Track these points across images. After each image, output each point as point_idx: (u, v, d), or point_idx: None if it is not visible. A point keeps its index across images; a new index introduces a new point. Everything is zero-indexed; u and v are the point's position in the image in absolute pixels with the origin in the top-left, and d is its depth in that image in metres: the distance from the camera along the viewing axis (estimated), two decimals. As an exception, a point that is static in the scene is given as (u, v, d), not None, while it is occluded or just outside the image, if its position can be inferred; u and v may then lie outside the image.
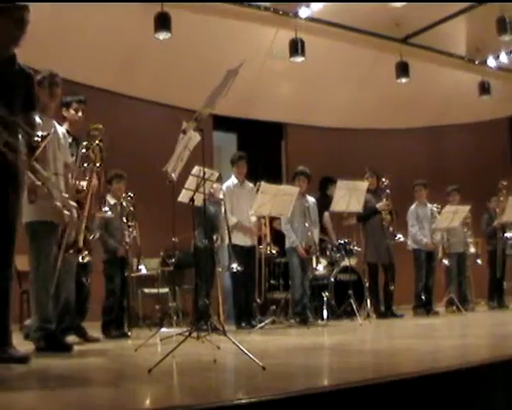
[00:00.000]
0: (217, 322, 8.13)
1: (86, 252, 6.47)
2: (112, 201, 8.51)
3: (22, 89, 5.00)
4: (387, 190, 10.86)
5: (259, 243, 9.88)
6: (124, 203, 8.61)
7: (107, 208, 7.12)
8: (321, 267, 10.51)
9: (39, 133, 4.60)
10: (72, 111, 7.00)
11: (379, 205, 10.79)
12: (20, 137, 4.74)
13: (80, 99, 7.08)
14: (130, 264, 8.64)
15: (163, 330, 8.41)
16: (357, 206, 9.83)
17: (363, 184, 10.02)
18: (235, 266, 8.86)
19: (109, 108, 11.48)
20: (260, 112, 13.92)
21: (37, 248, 5.95)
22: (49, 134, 4.73)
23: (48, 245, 5.94)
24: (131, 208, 8.65)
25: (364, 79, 13.94)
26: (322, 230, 11.03)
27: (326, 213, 11.16)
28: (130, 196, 8.66)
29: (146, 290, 10.25)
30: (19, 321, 9.61)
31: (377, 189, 11.02)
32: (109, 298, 8.34)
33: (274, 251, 9.77)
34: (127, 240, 8.52)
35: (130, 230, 8.62)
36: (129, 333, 8.25)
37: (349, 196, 9.62)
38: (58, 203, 5.90)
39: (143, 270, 8.91)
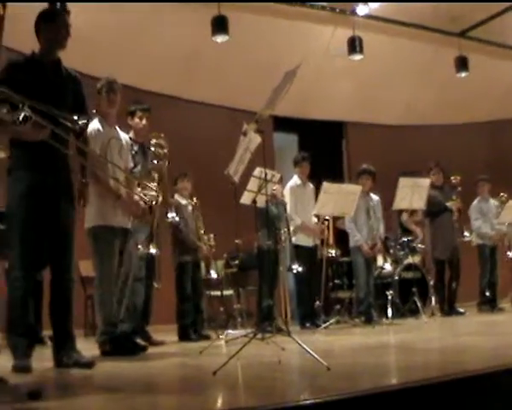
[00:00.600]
0: (281, 323, 8.15)
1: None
2: (183, 201, 8.61)
3: (69, 92, 5.09)
4: (459, 188, 10.70)
5: (322, 243, 9.85)
6: (194, 202, 8.71)
7: (173, 214, 7.18)
8: (388, 266, 10.47)
9: (80, 122, 4.65)
10: (136, 119, 7.10)
11: (450, 204, 10.64)
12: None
13: (144, 107, 7.17)
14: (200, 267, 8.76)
15: (228, 332, 8.44)
16: (420, 203, 9.74)
17: (426, 181, 9.91)
18: (296, 266, 8.86)
19: (170, 112, 11.59)
20: (320, 111, 13.88)
21: (99, 253, 6.05)
22: (89, 120, 4.80)
23: (110, 249, 6.02)
24: (198, 213, 8.74)
25: (423, 74, 13.78)
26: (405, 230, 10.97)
27: (404, 213, 11.10)
28: (195, 200, 8.75)
29: (210, 293, 10.30)
30: (83, 326, 9.78)
31: (444, 185, 10.87)
32: (183, 302, 8.37)
33: (333, 252, 9.73)
34: (205, 242, 8.63)
35: (203, 231, 8.73)
36: (208, 334, 8.29)
37: (411, 194, 9.53)
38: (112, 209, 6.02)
39: (213, 274, 9.00)
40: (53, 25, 5.02)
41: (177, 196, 8.61)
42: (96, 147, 6.03)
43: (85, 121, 4.69)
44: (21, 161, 4.83)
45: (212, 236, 8.95)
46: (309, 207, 9.46)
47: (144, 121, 7.12)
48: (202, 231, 8.76)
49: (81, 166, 5.18)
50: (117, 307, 6.08)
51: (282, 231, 9.16)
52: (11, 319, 4.78)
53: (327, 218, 9.61)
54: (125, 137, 6.52)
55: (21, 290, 4.74)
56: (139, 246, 6.68)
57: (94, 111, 4.94)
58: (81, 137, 4.96)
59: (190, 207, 8.72)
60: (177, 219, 7.42)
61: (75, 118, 4.60)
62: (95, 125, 6.16)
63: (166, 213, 7.02)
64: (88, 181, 5.22)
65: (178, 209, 8.48)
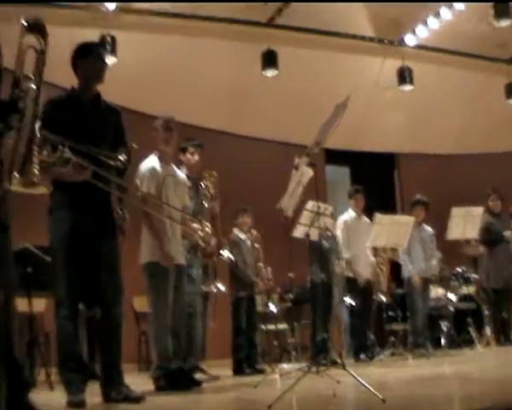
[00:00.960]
0: (336, 356, 8.11)
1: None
2: (241, 235, 8.66)
3: (110, 125, 5.13)
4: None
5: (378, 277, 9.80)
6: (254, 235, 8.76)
7: (226, 252, 7.23)
8: (442, 297, 10.38)
9: (121, 157, 4.70)
10: (188, 155, 7.17)
11: (508, 233, 10.47)
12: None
13: (196, 143, 7.25)
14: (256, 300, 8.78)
15: (282, 365, 8.43)
16: (472, 232, 9.65)
17: (478, 209, 9.81)
18: (350, 299, 8.84)
19: (222, 148, 11.68)
20: (371, 143, 13.86)
21: (154, 288, 6.10)
22: (130, 156, 4.84)
23: (165, 285, 6.05)
24: (258, 246, 8.78)
25: (474, 102, 13.66)
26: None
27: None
28: (254, 233, 8.80)
29: (264, 327, 10.30)
30: (137, 362, 9.84)
31: (502, 212, 10.72)
32: (238, 336, 8.39)
33: (384, 299, 9.67)
34: (264, 276, 8.66)
35: (261, 264, 8.76)
36: (262, 368, 8.28)
37: (464, 223, 9.45)
38: (167, 247, 6.06)
39: (272, 308, 9.01)
40: (88, 60, 5.07)
41: (236, 231, 8.67)
42: (152, 185, 6.12)
43: (126, 157, 4.74)
44: (62, 201, 4.88)
45: (269, 269, 8.98)
46: (364, 240, 9.42)
47: (196, 157, 7.18)
48: (261, 264, 8.79)
49: (119, 200, 5.18)
50: (172, 342, 6.11)
51: (335, 265, 9.15)
52: (62, 355, 4.84)
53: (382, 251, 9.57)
54: (181, 174, 6.59)
55: (69, 327, 4.81)
56: (202, 286, 6.76)
57: (134, 145, 4.96)
58: (123, 173, 4.98)
59: (249, 242, 8.76)
60: (231, 257, 7.47)
61: (116, 155, 4.67)
62: (151, 163, 6.27)
63: (219, 250, 7.07)
64: (126, 215, 5.20)
65: (237, 245, 8.54)
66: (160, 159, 6.30)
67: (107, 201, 5.04)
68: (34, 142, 3.38)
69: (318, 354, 8.24)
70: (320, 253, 8.40)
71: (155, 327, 6.09)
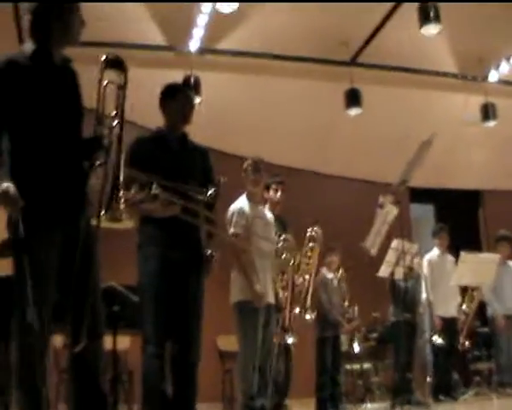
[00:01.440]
0: (420, 396, 7.99)
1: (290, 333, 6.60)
2: (329, 275, 8.65)
3: (197, 165, 5.14)
4: None
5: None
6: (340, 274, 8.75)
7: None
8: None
9: (210, 191, 4.73)
10: (271, 192, 7.20)
11: None
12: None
13: (279, 180, 7.28)
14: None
15: (366, 405, 8.36)
16: None
17: None
18: (435, 338, 8.72)
19: (306, 187, 11.73)
20: (456, 180, 13.71)
21: (243, 327, 6.09)
22: (218, 190, 4.85)
23: (254, 324, 6.04)
24: (342, 284, 8.76)
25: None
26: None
27: None
28: (341, 272, 8.79)
29: (348, 366, 10.20)
30: (221, 400, 9.87)
31: None
32: (322, 375, 8.36)
33: (466, 344, 9.52)
34: (350, 316, 8.64)
35: (347, 304, 8.74)
36: (348, 408, 8.23)
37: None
38: (258, 286, 6.08)
39: (356, 348, 8.96)
40: (176, 100, 5.14)
41: (323, 270, 8.67)
42: (240, 225, 6.20)
43: (215, 191, 4.77)
44: (151, 236, 4.90)
45: (356, 308, 8.94)
46: (449, 278, 9.30)
47: (279, 194, 7.17)
48: (346, 303, 8.77)
49: (208, 236, 5.16)
50: (258, 380, 6.11)
51: (420, 304, 9.04)
52: (147, 392, 4.84)
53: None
54: (269, 215, 6.64)
55: (156, 365, 4.79)
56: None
57: (222, 179, 4.98)
58: (212, 207, 5.00)
59: (336, 281, 8.75)
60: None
61: (205, 189, 4.71)
62: (240, 203, 6.35)
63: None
64: (214, 254, 5.16)
65: (324, 284, 8.53)
66: (249, 199, 6.37)
67: (195, 236, 5.02)
68: (119, 178, 3.44)
69: (401, 394, 8.15)
70: (403, 292, 8.30)
71: (242, 365, 6.09)
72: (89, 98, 3.70)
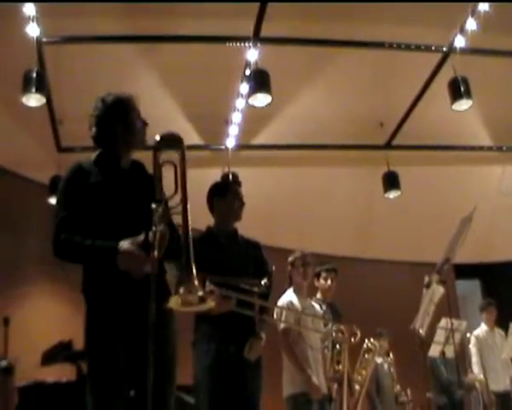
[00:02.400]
0: None
1: None
2: (379, 360, 8.57)
3: (250, 259, 5.19)
4: None
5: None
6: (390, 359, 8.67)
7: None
8: None
9: (263, 282, 4.75)
10: (322, 281, 7.18)
11: None
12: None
13: (328, 268, 7.27)
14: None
15: None
16: None
17: None
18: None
19: (350, 273, 11.70)
20: (499, 253, 13.58)
21: None
22: (271, 279, 4.86)
23: None
24: (392, 369, 8.69)
25: None
26: None
27: None
28: (391, 357, 8.73)
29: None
30: None
31: None
32: None
33: None
34: (403, 399, 8.55)
35: (398, 388, 8.66)
36: None
37: None
38: (314, 378, 6.03)
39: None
40: (226, 199, 5.27)
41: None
42: (290, 319, 6.18)
43: (268, 280, 4.79)
44: (205, 332, 4.92)
45: (408, 391, 8.84)
46: (498, 352, 9.17)
47: (329, 282, 7.12)
48: (398, 387, 8.68)
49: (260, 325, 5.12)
50: None
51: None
52: None
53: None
54: (317, 307, 6.63)
55: None
56: None
57: (273, 268, 5.00)
58: (267, 297, 5.01)
59: (386, 365, 8.67)
60: None
61: (258, 281, 4.73)
62: (288, 297, 6.33)
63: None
64: (263, 336, 5.14)
65: (374, 369, 8.44)
66: (297, 292, 6.37)
67: (251, 328, 4.99)
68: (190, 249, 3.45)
69: None
70: (441, 374, 8.22)
71: None
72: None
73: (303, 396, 6.00)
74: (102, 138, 3.87)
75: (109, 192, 3.74)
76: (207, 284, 4.43)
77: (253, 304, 4.88)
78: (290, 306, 6.25)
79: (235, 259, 5.09)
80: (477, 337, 9.46)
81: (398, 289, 12.35)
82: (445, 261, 6.75)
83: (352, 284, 7.55)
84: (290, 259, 6.45)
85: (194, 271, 3.33)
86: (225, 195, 5.29)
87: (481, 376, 9.10)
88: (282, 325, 6.14)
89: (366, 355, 7.09)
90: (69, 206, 3.67)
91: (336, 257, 11.64)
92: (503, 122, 11.34)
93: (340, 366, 6.41)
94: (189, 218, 3.54)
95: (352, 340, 6.41)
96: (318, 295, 7.09)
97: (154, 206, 3.38)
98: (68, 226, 3.60)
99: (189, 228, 3.49)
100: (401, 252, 12.74)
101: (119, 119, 3.88)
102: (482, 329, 9.60)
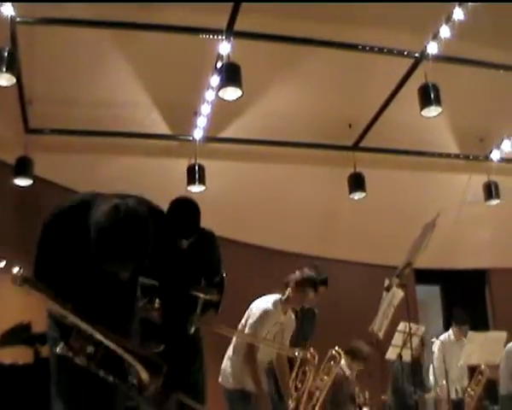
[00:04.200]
0: None
1: None
2: (347, 372, 8.51)
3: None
4: None
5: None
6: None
7: None
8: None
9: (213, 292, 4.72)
10: (313, 294, 6.66)
11: None
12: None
13: (325, 280, 7.14)
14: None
15: None
16: None
17: None
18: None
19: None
20: (461, 260, 13.68)
21: None
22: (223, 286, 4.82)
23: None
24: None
25: None
26: None
27: None
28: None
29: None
30: None
31: None
32: None
33: None
34: (360, 401, 8.55)
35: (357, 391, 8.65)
36: None
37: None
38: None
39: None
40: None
41: (344, 368, 8.46)
42: (262, 329, 6.17)
43: (219, 289, 4.75)
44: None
45: (366, 393, 8.83)
46: (458, 360, 9.18)
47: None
48: (356, 389, 8.68)
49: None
50: None
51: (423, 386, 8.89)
52: None
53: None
54: (292, 320, 6.55)
55: None
56: None
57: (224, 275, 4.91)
58: (218, 305, 4.97)
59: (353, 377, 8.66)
60: None
61: (209, 289, 4.70)
62: (273, 309, 6.26)
63: None
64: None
65: (343, 382, 8.36)
66: (281, 306, 6.31)
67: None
68: None
69: None
70: (402, 377, 8.23)
71: None
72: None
73: (243, 392, 6.06)
74: None
75: None
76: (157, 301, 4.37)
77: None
78: (269, 313, 6.20)
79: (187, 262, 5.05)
80: (443, 342, 9.42)
81: (357, 290, 12.38)
82: (406, 265, 6.78)
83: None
84: (302, 276, 6.36)
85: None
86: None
87: (443, 382, 9.13)
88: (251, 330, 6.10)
89: (331, 362, 7.05)
90: None
91: (299, 255, 11.67)
92: (471, 131, 11.44)
93: (301, 385, 6.41)
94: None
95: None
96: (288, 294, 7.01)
97: None
98: None
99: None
100: (363, 254, 12.79)
101: None
102: (450, 337, 9.57)
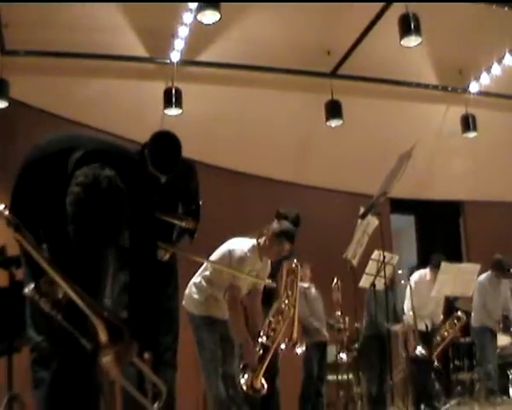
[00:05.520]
0: (402, 407, 8.00)
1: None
2: (305, 284, 8.56)
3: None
4: None
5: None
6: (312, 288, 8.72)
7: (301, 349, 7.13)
8: (508, 345, 10.20)
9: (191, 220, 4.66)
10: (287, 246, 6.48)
11: None
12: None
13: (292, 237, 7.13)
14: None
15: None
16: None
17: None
18: (420, 349, 8.75)
19: (287, 198, 11.73)
20: (436, 191, 13.75)
21: (199, 338, 5.99)
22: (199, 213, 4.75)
23: (211, 333, 5.96)
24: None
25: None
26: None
27: None
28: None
29: (329, 377, 10.17)
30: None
31: None
32: (307, 384, 8.27)
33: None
34: (340, 326, 8.64)
35: (339, 313, 8.75)
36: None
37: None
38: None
39: (344, 356, 9.01)
40: None
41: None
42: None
43: (196, 217, 4.69)
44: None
45: (346, 319, 8.90)
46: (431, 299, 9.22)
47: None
48: (339, 313, 8.77)
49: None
50: (229, 389, 6.02)
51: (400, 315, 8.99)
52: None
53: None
54: (268, 268, 6.42)
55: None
56: None
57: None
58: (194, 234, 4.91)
59: (313, 289, 8.71)
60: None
61: (185, 217, 4.65)
62: (249, 252, 6.11)
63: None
64: None
65: (302, 294, 8.44)
66: (257, 252, 6.16)
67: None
68: None
69: (376, 405, 8.16)
70: (375, 304, 8.28)
71: (205, 377, 5.99)
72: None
73: (209, 318, 6.00)
74: None
75: None
76: None
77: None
78: (244, 256, 6.05)
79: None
80: (415, 283, 9.39)
81: (334, 217, 12.40)
82: (381, 194, 6.80)
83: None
84: (280, 228, 6.20)
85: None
86: None
87: (410, 313, 9.22)
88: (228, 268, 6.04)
89: (289, 277, 6.99)
90: None
91: (275, 181, 11.67)
92: (451, 63, 11.40)
93: (273, 334, 6.38)
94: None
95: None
96: (261, 241, 6.97)
97: None
98: None
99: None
100: (339, 181, 12.79)
101: None
102: (426, 276, 9.51)
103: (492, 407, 8.56)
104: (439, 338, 9.44)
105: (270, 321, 6.39)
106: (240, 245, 6.13)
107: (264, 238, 6.16)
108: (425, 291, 9.24)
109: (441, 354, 9.50)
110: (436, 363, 9.41)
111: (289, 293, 6.61)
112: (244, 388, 6.14)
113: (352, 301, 8.58)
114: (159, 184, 4.90)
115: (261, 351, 6.22)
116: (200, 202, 5.15)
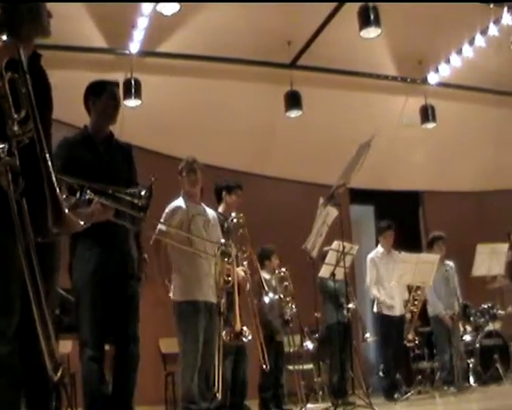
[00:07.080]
0: (363, 395, 8.06)
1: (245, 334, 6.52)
2: (267, 276, 8.59)
3: (123, 165, 5.04)
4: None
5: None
6: (280, 278, 8.73)
7: (270, 296, 7.16)
8: (468, 334, 10.30)
9: (143, 193, 4.62)
10: (234, 197, 7.15)
11: None
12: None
13: (240, 185, 7.24)
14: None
15: (308, 405, 8.39)
16: (497, 268, 9.59)
17: (503, 246, 9.75)
18: (368, 336, 8.86)
19: (246, 189, 11.71)
20: (396, 182, 13.85)
21: (183, 329, 6.04)
22: (151, 192, 4.74)
23: (194, 325, 5.99)
24: (288, 283, 8.78)
25: (501, 138, 13.60)
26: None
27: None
28: (283, 271, 8.79)
29: (290, 367, 10.22)
30: (165, 403, 9.82)
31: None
32: (266, 376, 8.30)
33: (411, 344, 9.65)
34: (287, 317, 8.64)
35: (290, 305, 8.74)
36: (289, 408, 8.25)
37: (489, 260, 9.40)
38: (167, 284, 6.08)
39: (309, 345, 9.06)
40: (101, 98, 4.95)
41: (263, 273, 8.53)
42: (173, 222, 6.16)
43: (147, 193, 4.64)
44: (86, 243, 4.78)
45: (293, 305, 8.92)
46: (394, 274, 9.31)
47: (234, 198, 7.18)
48: (290, 305, 8.80)
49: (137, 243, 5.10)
50: (200, 383, 6.05)
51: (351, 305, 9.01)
52: (88, 396, 4.74)
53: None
54: (212, 213, 6.57)
55: (95, 367, 4.70)
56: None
57: (153, 179, 4.84)
58: (146, 209, 4.90)
59: (274, 282, 8.72)
60: (270, 297, 7.35)
61: (139, 192, 4.60)
62: (175, 203, 6.31)
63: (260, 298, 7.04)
64: (145, 256, 5.16)
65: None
66: (187, 199, 6.33)
67: (127, 239, 4.96)
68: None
69: (336, 394, 8.20)
70: (334, 293, 8.31)
71: (181, 367, 6.00)
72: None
73: (189, 304, 6.02)
74: (7, 21, 3.59)
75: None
76: (88, 191, 4.27)
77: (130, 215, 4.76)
78: (175, 210, 6.23)
79: (111, 164, 4.89)
80: (372, 260, 9.56)
81: (292, 208, 12.45)
82: (340, 185, 6.83)
83: (247, 200, 7.52)
84: (179, 167, 6.41)
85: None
86: (101, 95, 4.98)
87: (375, 295, 9.31)
88: (158, 227, 6.10)
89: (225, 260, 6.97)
90: None
91: (234, 171, 11.65)
92: (410, 54, 11.47)
93: (230, 277, 6.40)
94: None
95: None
96: (220, 209, 7.06)
97: None
98: None
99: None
100: (298, 172, 12.81)
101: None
102: (378, 251, 9.74)
103: (453, 396, 8.64)
104: (408, 315, 9.53)
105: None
106: None
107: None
108: (385, 266, 9.40)
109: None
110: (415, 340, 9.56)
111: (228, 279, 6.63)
112: (227, 339, 6.27)
113: (313, 291, 8.62)
114: (102, 159, 4.91)
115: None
116: (153, 179, 5.11)
